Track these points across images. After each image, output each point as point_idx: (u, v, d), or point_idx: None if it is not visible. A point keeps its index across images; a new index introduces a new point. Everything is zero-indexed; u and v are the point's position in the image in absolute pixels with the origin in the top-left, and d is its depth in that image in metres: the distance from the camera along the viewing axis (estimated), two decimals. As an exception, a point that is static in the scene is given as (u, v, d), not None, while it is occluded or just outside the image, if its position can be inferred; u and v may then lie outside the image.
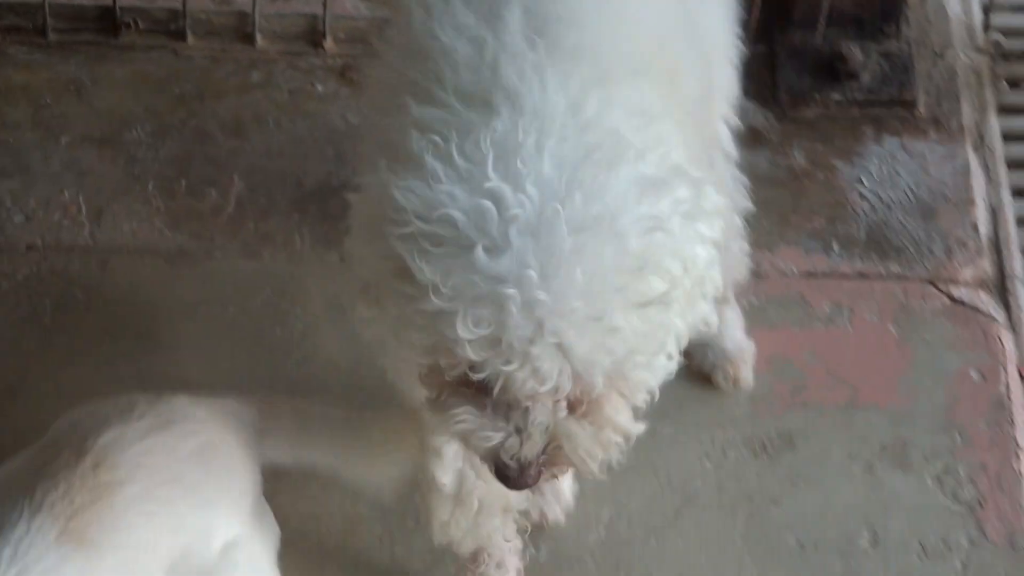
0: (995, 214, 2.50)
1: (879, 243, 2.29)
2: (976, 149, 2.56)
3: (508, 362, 1.25)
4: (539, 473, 1.43)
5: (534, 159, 1.21)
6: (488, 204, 1.20)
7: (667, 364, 1.39)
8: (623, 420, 1.40)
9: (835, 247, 2.27)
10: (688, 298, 1.34)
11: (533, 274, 1.18)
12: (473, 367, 1.28)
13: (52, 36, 2.55)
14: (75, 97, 2.48)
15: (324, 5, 2.50)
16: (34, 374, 2.12)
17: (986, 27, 2.71)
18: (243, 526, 1.54)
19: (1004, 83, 2.66)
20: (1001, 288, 2.34)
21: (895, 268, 2.27)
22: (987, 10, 2.72)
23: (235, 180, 2.36)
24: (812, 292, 2.24)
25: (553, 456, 1.39)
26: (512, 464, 1.37)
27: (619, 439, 1.42)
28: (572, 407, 1.35)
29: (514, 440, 1.35)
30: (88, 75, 2.50)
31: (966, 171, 2.52)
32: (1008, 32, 2.72)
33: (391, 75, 1.53)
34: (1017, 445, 2.05)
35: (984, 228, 2.48)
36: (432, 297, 1.21)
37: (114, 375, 2.13)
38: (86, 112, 2.46)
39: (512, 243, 1.19)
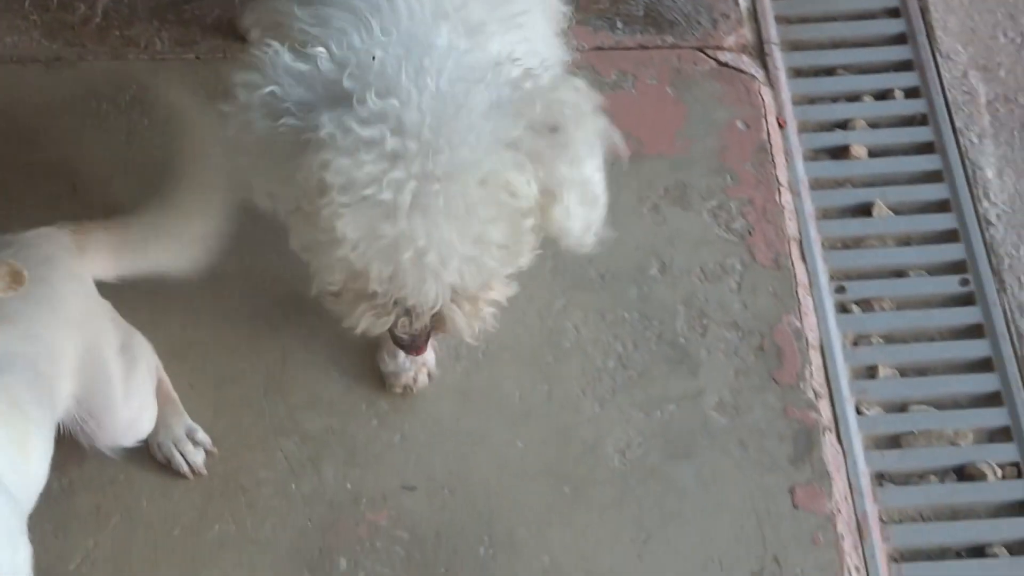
0: None
1: (655, 19, 2.43)
2: None
3: (401, 290, 1.45)
4: (427, 340, 1.64)
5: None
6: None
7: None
8: (495, 296, 1.59)
9: (618, 24, 2.42)
10: (542, 208, 1.47)
11: (420, 230, 1.35)
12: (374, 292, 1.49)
13: None
14: None
15: None
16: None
17: None
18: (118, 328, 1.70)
19: None
20: (760, 52, 2.48)
21: (670, 39, 2.41)
22: None
23: None
24: (601, 63, 2.36)
25: (438, 325, 1.57)
26: (405, 337, 1.58)
27: (492, 310, 1.60)
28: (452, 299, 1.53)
29: (405, 319, 1.54)
30: None
31: None
32: None
33: None
34: (778, 182, 2.21)
35: (744, 2, 2.60)
36: (348, 252, 1.38)
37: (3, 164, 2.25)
38: None
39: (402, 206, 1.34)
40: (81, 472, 1.97)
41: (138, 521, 1.95)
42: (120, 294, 1.87)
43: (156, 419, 1.81)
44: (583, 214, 1.51)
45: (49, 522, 1.92)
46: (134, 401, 1.72)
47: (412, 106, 1.33)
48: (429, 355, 2.03)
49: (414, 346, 1.61)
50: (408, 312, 1.50)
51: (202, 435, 1.88)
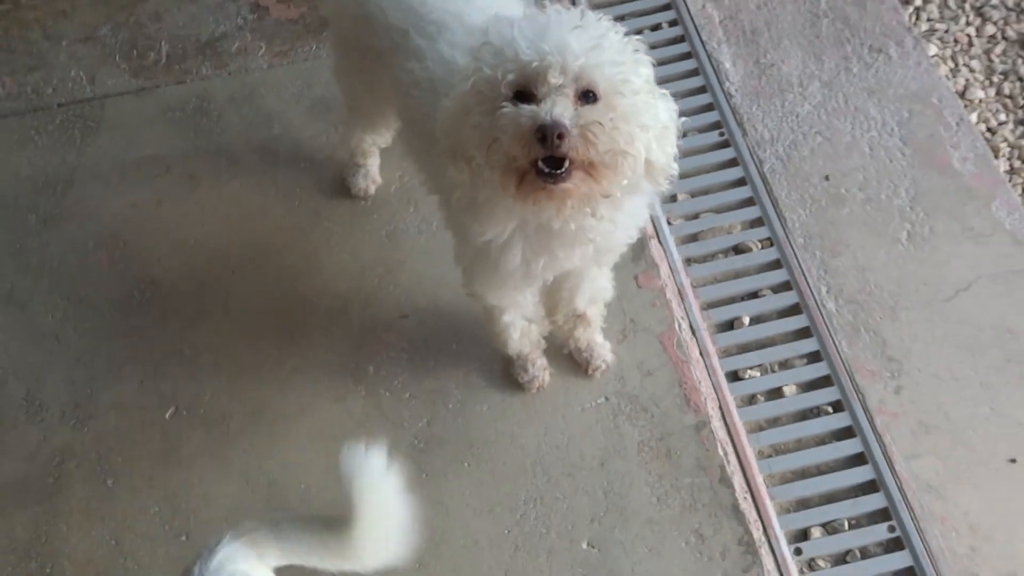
0: None
1: None
2: None
3: (542, 53, 1.56)
4: (572, 164, 1.59)
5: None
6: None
7: (660, 155, 1.66)
8: (631, 130, 1.59)
9: None
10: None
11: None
12: (522, 72, 1.58)
13: None
14: (63, 18, 3.09)
15: None
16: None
17: None
18: None
19: None
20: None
21: None
22: None
23: (162, 44, 3.04)
24: None
25: (581, 145, 1.56)
26: (547, 118, 1.54)
27: (628, 147, 1.59)
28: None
29: (547, 104, 1.56)
30: (68, 5, 3.12)
31: None
32: None
33: None
34: None
35: None
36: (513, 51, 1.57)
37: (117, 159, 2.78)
38: (71, 26, 3.09)
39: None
40: (201, 342, 2.59)
41: (242, 365, 2.46)
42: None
43: None
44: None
45: (184, 374, 2.47)
46: None
47: None
48: (543, 359, 2.38)
49: (559, 147, 1.55)
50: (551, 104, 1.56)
51: None
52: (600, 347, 2.41)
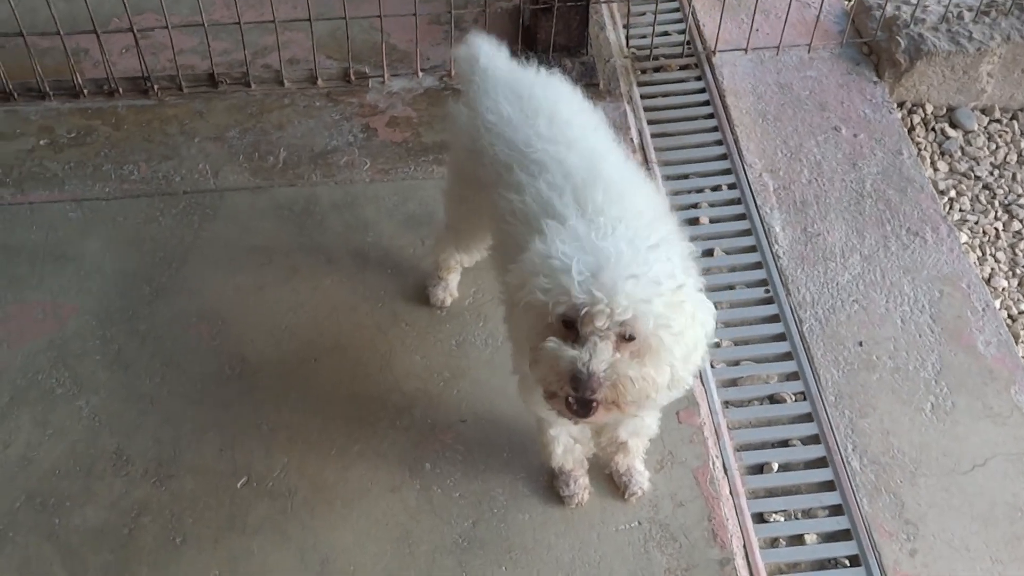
0: (641, 135, 3.04)
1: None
2: (628, 103, 3.12)
3: (593, 299, 1.50)
4: (598, 405, 1.56)
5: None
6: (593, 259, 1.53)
7: (684, 372, 1.62)
8: (658, 376, 1.56)
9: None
10: (690, 319, 1.59)
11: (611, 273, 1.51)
12: (571, 308, 1.52)
13: (185, 89, 3.15)
14: (199, 118, 3.12)
15: (314, 61, 3.13)
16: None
17: (627, 45, 3.38)
18: None
19: (638, 72, 3.27)
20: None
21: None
22: (627, 38, 3.38)
23: (281, 150, 3.02)
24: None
25: (609, 392, 1.53)
26: (583, 371, 1.51)
27: (652, 391, 1.57)
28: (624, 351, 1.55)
29: (585, 352, 1.52)
30: (204, 107, 3.15)
31: (625, 114, 3.06)
32: (637, 47, 3.37)
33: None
34: None
35: (635, 138, 3.02)
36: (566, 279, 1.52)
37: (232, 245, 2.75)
38: (205, 125, 3.09)
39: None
40: (279, 419, 2.41)
41: (312, 445, 2.37)
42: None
43: None
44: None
45: (261, 447, 2.36)
46: None
47: None
48: (586, 478, 2.27)
49: (588, 391, 1.53)
50: (589, 351, 1.52)
51: None
52: (639, 474, 2.30)
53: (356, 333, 2.61)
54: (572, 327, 1.57)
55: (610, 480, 2.34)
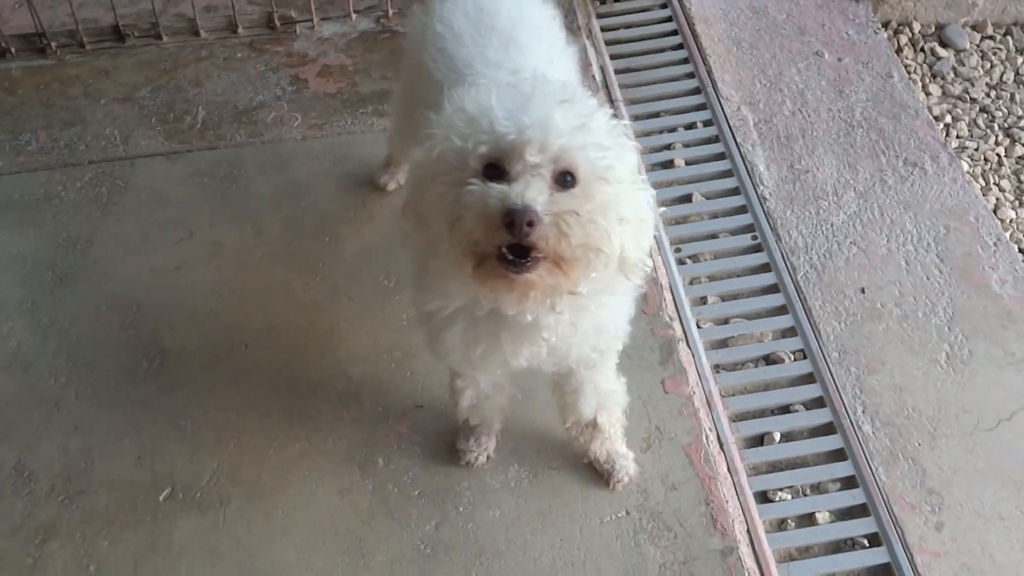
0: (603, 72, 2.69)
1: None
2: (587, 38, 2.77)
3: (521, 127, 1.23)
4: (539, 255, 1.25)
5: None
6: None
7: (635, 247, 1.33)
8: (607, 223, 1.27)
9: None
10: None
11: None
12: (495, 146, 1.24)
13: (88, 46, 2.73)
14: (104, 78, 2.67)
15: (233, 7, 2.74)
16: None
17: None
18: None
19: (597, 2, 2.88)
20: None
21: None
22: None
23: (199, 109, 2.60)
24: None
25: (551, 235, 1.23)
26: (517, 202, 1.20)
27: (603, 243, 1.27)
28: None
29: (518, 185, 1.23)
30: (110, 65, 2.70)
31: (584, 49, 2.70)
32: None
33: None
34: None
35: (598, 75, 2.66)
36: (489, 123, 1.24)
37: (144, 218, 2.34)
38: (111, 85, 2.65)
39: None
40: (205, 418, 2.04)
41: (245, 446, 2.00)
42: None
43: None
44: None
45: (185, 452, 1.99)
46: None
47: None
48: (491, 442, 1.97)
49: (525, 235, 1.21)
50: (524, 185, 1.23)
51: None
52: (622, 458, 1.94)
53: (291, 312, 2.21)
54: (498, 174, 1.26)
55: (591, 468, 1.98)
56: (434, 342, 1.56)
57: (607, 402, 1.85)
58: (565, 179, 1.26)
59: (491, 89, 1.30)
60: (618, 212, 1.30)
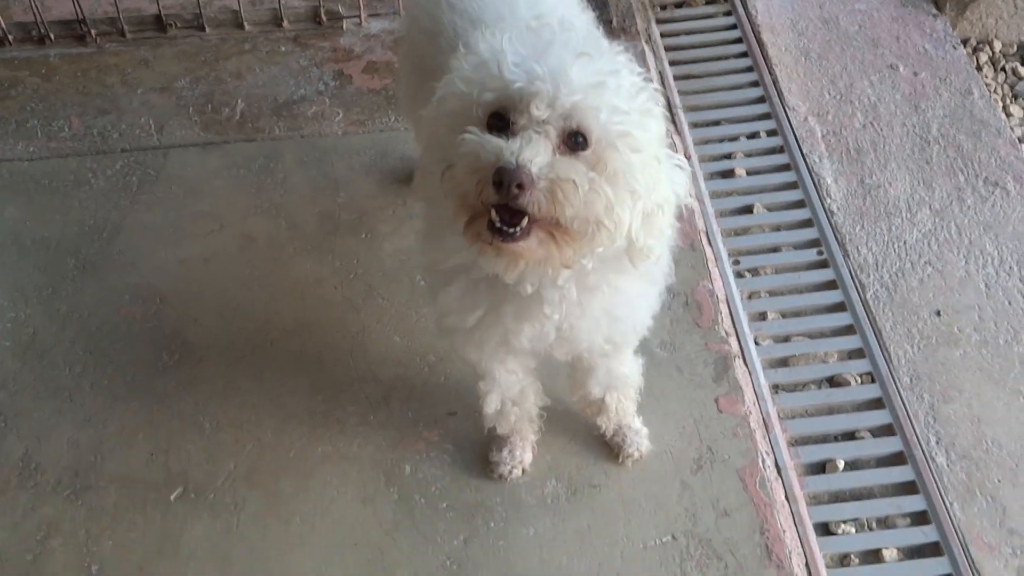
0: (662, 78, 2.63)
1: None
2: (646, 43, 2.73)
3: (532, 76, 1.15)
4: (528, 221, 1.16)
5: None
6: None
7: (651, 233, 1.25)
8: (613, 196, 1.17)
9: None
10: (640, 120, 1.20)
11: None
12: (502, 94, 1.16)
13: (128, 35, 2.73)
14: (143, 67, 2.66)
15: (278, 1, 2.72)
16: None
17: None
18: None
19: (657, 7, 2.84)
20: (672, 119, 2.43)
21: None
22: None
23: (239, 101, 2.57)
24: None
25: (544, 201, 1.14)
26: (510, 160, 1.11)
27: (605, 215, 1.18)
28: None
29: (516, 141, 1.14)
30: (151, 54, 2.70)
31: (643, 54, 2.66)
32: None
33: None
34: (691, 195, 2.35)
35: (656, 81, 2.72)
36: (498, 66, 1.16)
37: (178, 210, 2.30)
38: (150, 75, 2.64)
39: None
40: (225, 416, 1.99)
41: (265, 447, 1.94)
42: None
43: None
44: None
45: (201, 450, 1.94)
46: None
47: None
48: (527, 455, 1.88)
49: (514, 195, 1.12)
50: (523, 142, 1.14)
51: None
52: (634, 433, 1.88)
53: (322, 310, 2.14)
54: (502, 126, 1.17)
55: (636, 486, 1.87)
56: (433, 299, 1.47)
57: (619, 384, 1.79)
58: (575, 140, 1.17)
59: (507, 32, 1.21)
60: (630, 184, 1.19)
